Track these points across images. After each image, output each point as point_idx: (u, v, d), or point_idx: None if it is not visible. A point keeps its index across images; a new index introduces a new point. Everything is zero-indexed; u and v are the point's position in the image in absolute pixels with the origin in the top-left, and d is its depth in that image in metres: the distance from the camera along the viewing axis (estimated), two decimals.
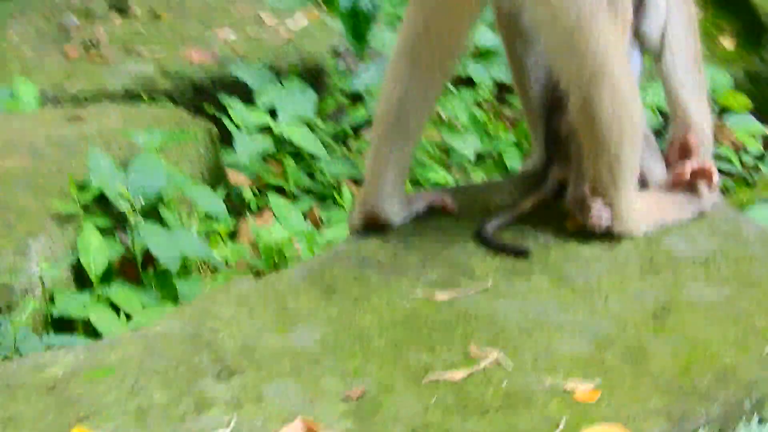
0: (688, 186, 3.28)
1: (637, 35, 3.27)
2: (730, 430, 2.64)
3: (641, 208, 3.21)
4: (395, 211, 3.23)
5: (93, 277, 3.98)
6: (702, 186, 3.27)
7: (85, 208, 4.11)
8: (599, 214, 3.16)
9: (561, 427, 2.58)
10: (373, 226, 3.24)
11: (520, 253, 3.15)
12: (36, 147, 4.34)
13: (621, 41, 3.04)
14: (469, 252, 3.17)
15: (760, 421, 2.66)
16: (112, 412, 2.63)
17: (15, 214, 4.00)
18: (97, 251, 4.00)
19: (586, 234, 3.18)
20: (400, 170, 3.23)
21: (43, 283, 3.86)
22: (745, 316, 2.90)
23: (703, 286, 3.01)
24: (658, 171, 3.35)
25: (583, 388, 2.69)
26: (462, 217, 3.30)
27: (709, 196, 3.29)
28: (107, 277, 4.04)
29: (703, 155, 3.28)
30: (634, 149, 3.13)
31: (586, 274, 3.07)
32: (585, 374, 2.73)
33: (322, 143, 4.89)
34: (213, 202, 4.29)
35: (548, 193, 3.33)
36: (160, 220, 4.19)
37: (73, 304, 3.87)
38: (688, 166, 3.27)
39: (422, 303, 2.99)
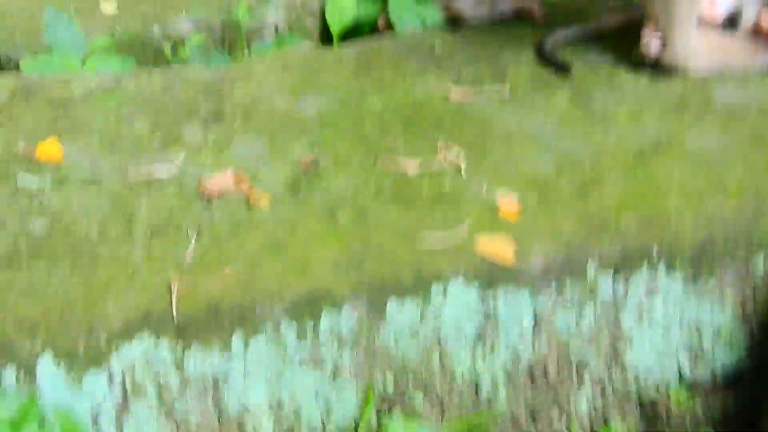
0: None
1: None
2: (630, 270, 2.58)
3: (701, 46, 3.07)
4: (468, 8, 3.25)
5: (334, 33, 3.85)
6: None
7: None
8: (649, 42, 3.06)
9: (460, 228, 2.62)
10: (451, 19, 3.30)
11: (561, 68, 3.11)
12: None
13: None
14: (518, 60, 3.17)
15: (669, 268, 2.58)
16: (91, 131, 2.92)
17: None
18: (346, 7, 3.86)
19: (644, 65, 3.09)
20: None
21: (276, 29, 3.91)
22: (727, 169, 2.77)
23: (711, 134, 2.88)
24: (750, 14, 3.16)
25: (509, 201, 2.70)
26: (542, 28, 3.27)
27: None
28: (354, 36, 3.85)
29: None
30: None
31: (609, 102, 3.01)
32: (527, 191, 2.73)
33: None
34: None
35: (633, 17, 3.23)
36: None
37: None
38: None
39: (436, 96, 3.05)
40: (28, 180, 2.77)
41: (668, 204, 2.69)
